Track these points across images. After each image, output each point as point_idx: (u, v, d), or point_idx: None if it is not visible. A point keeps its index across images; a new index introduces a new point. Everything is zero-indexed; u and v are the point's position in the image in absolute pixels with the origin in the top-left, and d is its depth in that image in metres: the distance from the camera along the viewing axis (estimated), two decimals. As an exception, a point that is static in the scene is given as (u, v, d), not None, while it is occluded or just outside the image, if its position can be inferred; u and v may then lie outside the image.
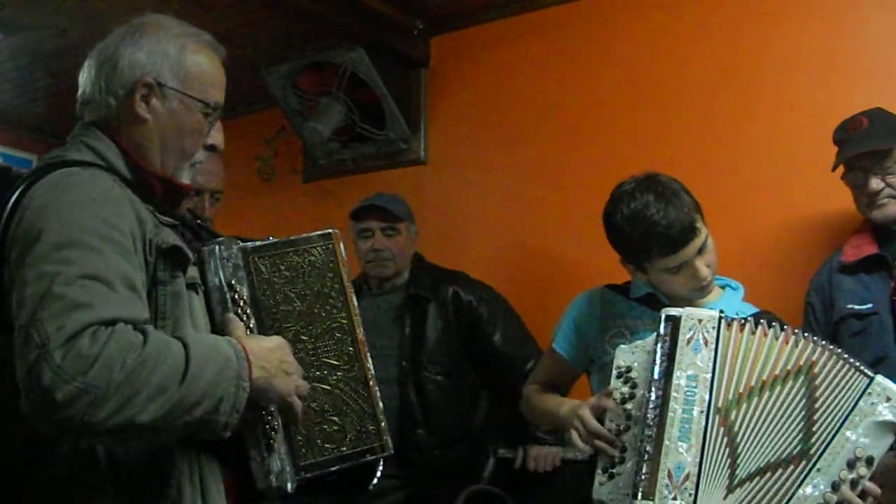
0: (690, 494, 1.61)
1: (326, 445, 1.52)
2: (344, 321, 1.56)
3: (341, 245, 1.58)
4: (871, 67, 2.58)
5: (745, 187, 2.76)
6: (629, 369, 1.79)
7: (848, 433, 1.62)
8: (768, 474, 1.63)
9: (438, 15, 3.42)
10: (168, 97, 1.49)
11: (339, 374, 1.55)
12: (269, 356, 1.38)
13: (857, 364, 1.67)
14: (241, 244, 1.51)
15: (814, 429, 1.64)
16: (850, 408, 1.63)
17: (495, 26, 3.38)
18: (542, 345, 2.77)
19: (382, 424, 1.57)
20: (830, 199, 2.53)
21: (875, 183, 2.18)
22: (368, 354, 1.59)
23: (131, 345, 1.19)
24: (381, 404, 1.58)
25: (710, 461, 1.64)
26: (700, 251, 1.87)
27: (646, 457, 1.66)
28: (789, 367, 1.68)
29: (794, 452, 1.63)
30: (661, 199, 1.86)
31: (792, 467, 1.62)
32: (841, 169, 2.29)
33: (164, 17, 1.56)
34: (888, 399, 1.62)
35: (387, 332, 2.85)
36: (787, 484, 1.61)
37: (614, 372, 1.80)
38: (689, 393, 1.67)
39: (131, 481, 1.33)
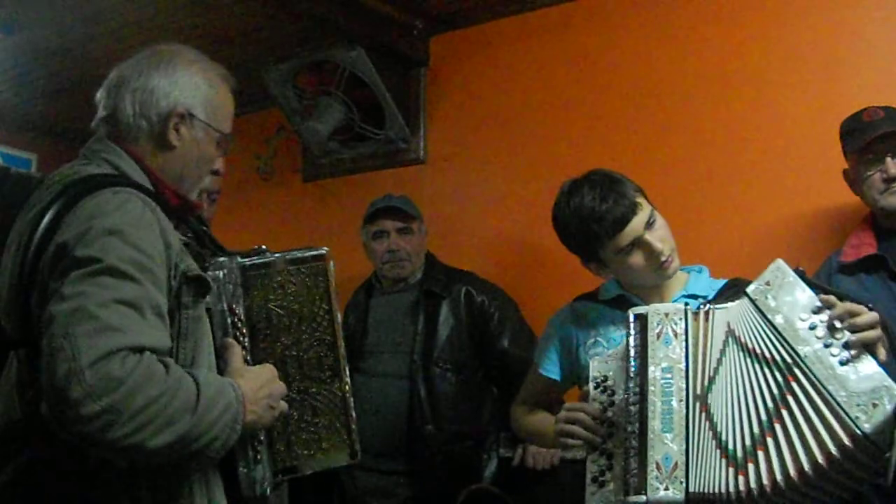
0: (682, 482, 1.62)
1: (303, 451, 1.63)
2: (329, 338, 1.67)
3: (331, 264, 1.68)
4: (871, 67, 2.58)
5: (746, 186, 2.76)
6: (605, 378, 1.82)
7: (782, 323, 1.62)
8: (777, 424, 1.57)
9: (438, 15, 3.42)
10: (195, 127, 1.62)
11: (321, 387, 1.66)
12: (260, 396, 1.49)
13: (726, 305, 1.74)
14: (239, 261, 1.60)
15: (766, 355, 1.62)
16: (757, 317, 1.66)
17: (495, 26, 3.38)
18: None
19: (354, 435, 1.69)
20: (831, 198, 2.53)
21: (893, 167, 2.17)
22: (347, 368, 1.70)
23: (154, 375, 1.28)
24: (354, 414, 1.69)
25: (698, 447, 1.64)
26: (649, 227, 1.89)
27: (632, 453, 1.68)
28: (723, 339, 1.70)
29: (780, 387, 1.59)
30: (596, 185, 1.92)
31: (793, 391, 1.57)
32: (843, 168, 2.30)
33: (188, 49, 1.69)
34: (767, 283, 1.67)
35: (399, 328, 2.89)
36: (814, 399, 1.54)
37: (591, 383, 1.83)
38: (665, 384, 1.69)
39: (148, 482, 1.40)
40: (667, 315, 1.75)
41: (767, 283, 1.67)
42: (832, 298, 1.60)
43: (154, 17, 3.30)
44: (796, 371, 1.58)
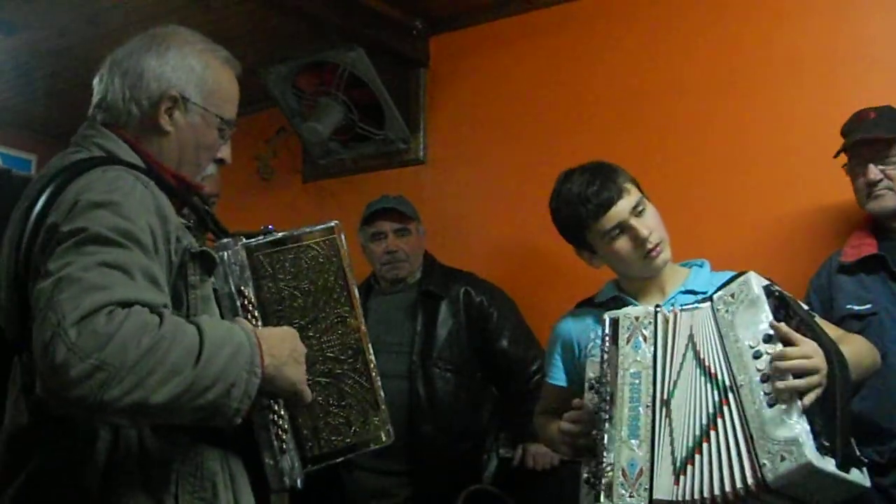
0: (646, 489, 1.62)
1: (332, 438, 1.54)
2: (347, 314, 1.57)
3: (342, 237, 1.59)
4: (872, 66, 2.58)
5: (746, 187, 2.76)
6: (598, 380, 1.81)
7: (732, 342, 1.61)
8: (706, 443, 1.58)
9: (438, 15, 3.43)
10: (190, 111, 1.53)
11: (343, 367, 1.56)
12: (280, 345, 1.40)
13: (695, 304, 1.74)
14: (245, 241, 1.52)
15: (712, 371, 1.63)
16: (714, 328, 1.65)
17: (495, 26, 3.38)
18: (543, 344, 2.78)
19: (384, 414, 1.59)
20: (831, 199, 2.53)
21: (873, 172, 2.19)
22: (370, 345, 1.60)
23: (147, 325, 1.20)
24: (382, 393, 1.60)
25: (660, 453, 1.64)
26: (637, 214, 1.90)
27: (600, 459, 1.68)
28: (685, 343, 1.70)
29: (714, 406, 1.60)
30: (587, 171, 1.96)
31: (724, 415, 1.57)
32: (845, 166, 2.30)
33: (186, 30, 1.61)
34: (732, 296, 1.65)
35: (398, 329, 2.88)
36: (735, 428, 1.55)
37: (586, 384, 1.84)
38: (633, 390, 1.69)
39: (166, 481, 1.35)
40: (637, 319, 1.75)
41: (732, 296, 1.65)
42: (784, 329, 1.56)
43: (154, 18, 3.30)
44: (730, 396, 1.58)
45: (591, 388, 1.82)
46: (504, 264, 3.24)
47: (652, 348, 1.71)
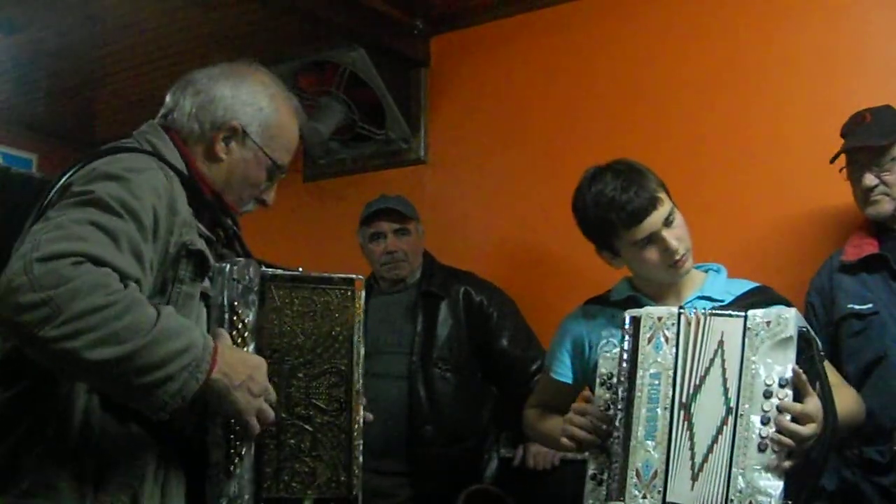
0: (659, 492, 1.62)
1: (293, 483, 1.52)
2: (343, 368, 1.56)
3: (362, 293, 1.59)
4: (871, 65, 2.59)
5: (745, 187, 2.76)
6: (611, 376, 1.80)
7: (750, 368, 1.62)
8: (715, 449, 1.62)
9: (438, 15, 3.43)
10: (247, 146, 1.61)
11: (325, 417, 1.55)
12: (239, 368, 1.38)
13: (729, 312, 1.72)
14: (263, 269, 1.53)
15: (727, 385, 1.65)
16: (740, 345, 1.65)
17: (495, 26, 3.38)
18: (543, 343, 2.78)
19: (355, 479, 1.56)
20: (831, 198, 2.53)
21: (869, 179, 2.19)
22: (362, 406, 1.58)
23: (108, 286, 1.23)
24: (360, 458, 1.57)
25: (677, 456, 1.64)
26: (667, 224, 1.88)
27: (614, 458, 1.68)
28: (715, 348, 1.70)
29: (721, 420, 1.63)
30: (620, 175, 1.90)
31: (725, 429, 1.62)
32: (844, 166, 2.30)
33: (266, 72, 1.68)
34: (768, 323, 1.64)
35: (398, 329, 2.88)
36: (725, 449, 1.60)
37: (598, 380, 1.83)
38: (652, 391, 1.69)
39: (97, 462, 1.36)
40: (659, 319, 1.73)
41: (768, 324, 1.64)
42: (802, 381, 1.59)
43: (154, 18, 3.30)
44: (729, 419, 1.62)
45: (604, 384, 1.81)
46: (505, 264, 3.24)
47: (674, 350, 1.70)
